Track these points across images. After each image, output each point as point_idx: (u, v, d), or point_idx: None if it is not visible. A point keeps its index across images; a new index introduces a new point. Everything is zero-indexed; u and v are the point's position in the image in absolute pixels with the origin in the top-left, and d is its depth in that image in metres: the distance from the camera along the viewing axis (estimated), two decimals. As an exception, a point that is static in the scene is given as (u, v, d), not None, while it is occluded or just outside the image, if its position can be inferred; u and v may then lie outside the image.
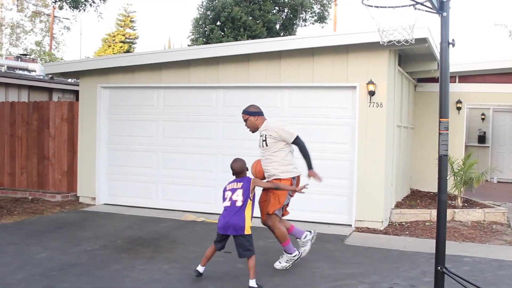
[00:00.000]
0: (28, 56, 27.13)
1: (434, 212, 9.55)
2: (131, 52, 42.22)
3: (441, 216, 4.96)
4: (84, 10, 12.72)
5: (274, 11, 29.66)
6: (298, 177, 6.68)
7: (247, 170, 6.18)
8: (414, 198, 11.27)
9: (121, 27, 47.52)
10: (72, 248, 7.34)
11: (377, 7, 5.14)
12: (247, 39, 25.02)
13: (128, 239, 7.97)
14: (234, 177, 6.12)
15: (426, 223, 9.44)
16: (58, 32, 48.70)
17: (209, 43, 24.51)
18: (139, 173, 10.67)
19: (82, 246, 7.45)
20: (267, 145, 6.55)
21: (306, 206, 9.39)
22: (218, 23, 26.99)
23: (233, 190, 5.94)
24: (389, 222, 9.46)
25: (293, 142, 6.57)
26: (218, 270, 6.39)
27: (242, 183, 5.95)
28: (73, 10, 12.65)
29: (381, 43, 5.44)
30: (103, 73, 10.91)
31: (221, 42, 24.29)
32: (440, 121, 4.97)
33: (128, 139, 10.76)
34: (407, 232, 8.78)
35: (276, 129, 6.54)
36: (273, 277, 6.15)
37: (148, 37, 68.09)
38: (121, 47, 45.54)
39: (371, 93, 8.89)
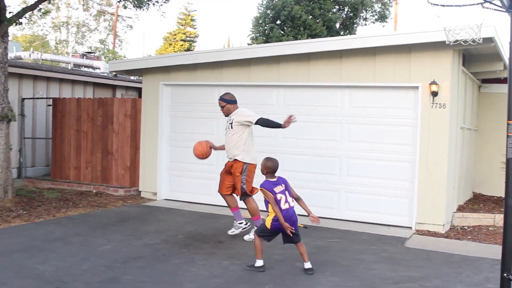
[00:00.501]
0: (93, 54, 27.89)
1: (498, 217, 9.31)
2: (191, 50, 42.77)
3: (508, 221, 4.80)
4: (147, 9, 12.97)
5: (334, 10, 29.49)
6: (254, 165, 7.70)
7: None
8: (477, 202, 11.00)
9: (182, 25, 48.18)
10: (134, 242, 7.53)
11: (444, 5, 5.05)
12: (307, 38, 24.97)
13: (188, 234, 8.11)
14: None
15: (490, 228, 9.20)
16: (121, 31, 49.94)
17: (269, 42, 24.55)
18: (199, 170, 10.82)
19: (144, 240, 7.63)
20: (232, 128, 7.69)
21: (364, 207, 9.34)
22: (278, 22, 27.03)
23: (284, 192, 6.28)
24: (450, 225, 9.27)
25: (256, 123, 7.62)
26: (277, 268, 6.43)
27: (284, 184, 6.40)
28: (136, 9, 12.92)
29: (446, 42, 5.36)
30: (166, 70, 11.12)
31: (280, 41, 24.32)
32: (508, 123, 4.83)
33: (189, 136, 10.92)
34: (469, 237, 8.58)
35: (241, 114, 7.66)
36: (332, 277, 6.14)
37: (208, 35, 68.84)
38: (181, 45, 46.20)
39: (434, 94, 8.74)
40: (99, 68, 22.70)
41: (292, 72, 9.93)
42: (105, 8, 48.94)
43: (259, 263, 6.27)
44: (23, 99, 13.82)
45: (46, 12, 11.99)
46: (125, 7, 12.95)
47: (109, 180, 12.29)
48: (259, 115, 7.70)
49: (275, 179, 6.37)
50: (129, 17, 50.17)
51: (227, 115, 7.87)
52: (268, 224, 6.23)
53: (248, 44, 28.08)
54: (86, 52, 27.34)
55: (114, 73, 17.35)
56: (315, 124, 9.77)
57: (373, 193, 9.32)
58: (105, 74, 19.65)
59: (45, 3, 11.10)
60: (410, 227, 8.96)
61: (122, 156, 12.13)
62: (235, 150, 7.65)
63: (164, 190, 11.23)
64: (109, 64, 13.10)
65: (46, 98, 14.41)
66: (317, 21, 26.98)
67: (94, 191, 11.79)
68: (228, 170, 7.80)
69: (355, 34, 28.97)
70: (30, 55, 23.35)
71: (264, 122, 7.63)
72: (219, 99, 7.96)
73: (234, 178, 7.68)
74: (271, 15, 27.15)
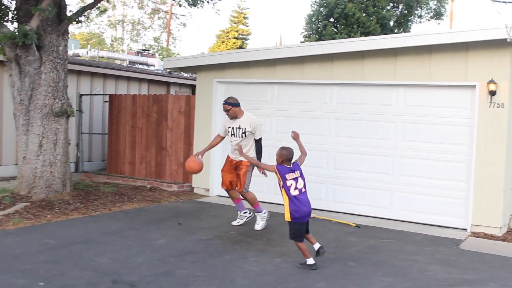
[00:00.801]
0: (147, 51, 28.38)
1: (558, 220, 9.02)
2: (243, 48, 42.98)
3: None
4: (202, 6, 13.10)
5: (388, 7, 29.13)
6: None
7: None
8: (536, 204, 10.67)
9: (235, 23, 48.44)
10: (188, 237, 7.65)
11: (505, 2, 4.94)
12: (360, 35, 24.76)
13: (240, 231, 8.18)
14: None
15: (549, 231, 8.94)
16: (174, 28, 50.51)
17: (322, 40, 24.45)
18: (251, 167, 10.87)
19: (197, 235, 7.74)
20: (246, 136, 8.22)
21: (418, 207, 9.22)
22: (331, 19, 26.91)
23: (296, 179, 6.39)
24: (508, 228, 9.03)
25: (259, 139, 8.33)
26: (329, 266, 6.42)
27: (299, 171, 6.51)
28: (191, 7, 13.06)
29: (508, 40, 5.21)
30: (220, 68, 11.22)
31: (333, 38, 24.19)
32: None
33: (242, 133, 11.00)
34: (527, 240, 8.36)
35: (255, 125, 8.26)
36: (385, 277, 6.09)
37: (260, 33, 69.03)
38: (234, 43, 46.46)
39: (492, 93, 8.53)
40: (154, 66, 23.07)
41: (346, 70, 9.86)
42: (160, 6, 49.72)
43: (310, 261, 6.28)
44: (81, 95, 14.20)
45: (104, 11, 12.27)
46: (180, 5, 13.11)
47: (163, 175, 12.49)
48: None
49: (290, 166, 6.48)
50: (182, 15, 50.87)
51: (233, 118, 8.34)
52: (288, 218, 6.33)
53: (301, 42, 28.03)
54: (141, 50, 27.85)
55: (168, 70, 17.63)
56: (368, 122, 9.69)
57: (427, 194, 9.18)
58: (160, 71, 19.95)
59: (103, 1, 11.36)
60: (465, 229, 8.78)
61: (175, 152, 12.32)
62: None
63: (216, 187, 11.33)
64: (164, 62, 13.30)
65: (103, 94, 14.76)
66: (371, 18, 26.73)
67: (148, 186, 12.01)
68: (231, 168, 8.41)
69: (409, 32, 28.53)
70: (87, 52, 23.96)
71: (259, 145, 8.43)
72: (224, 103, 8.37)
73: (240, 176, 8.25)
74: (324, 12, 27.04)
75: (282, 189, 6.39)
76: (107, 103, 13.98)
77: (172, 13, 47.44)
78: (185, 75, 19.45)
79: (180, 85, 18.28)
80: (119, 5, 47.60)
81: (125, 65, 21.83)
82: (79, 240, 7.26)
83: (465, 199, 8.88)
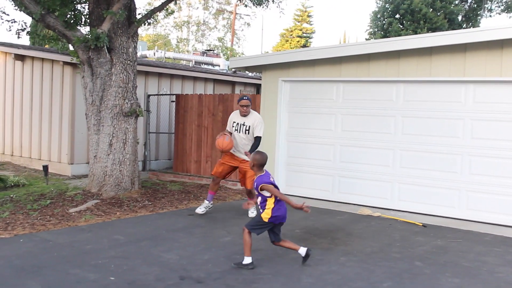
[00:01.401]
0: (212, 52, 28.74)
1: None
2: (307, 46, 42.88)
3: None
4: (267, 6, 13.17)
5: (457, 2, 28.39)
6: None
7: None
8: None
9: (298, 22, 48.40)
10: (253, 234, 7.68)
11: None
12: (427, 31, 24.29)
13: (305, 229, 8.18)
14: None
15: None
16: (238, 28, 50.91)
17: (387, 37, 24.10)
18: (316, 165, 10.87)
19: (262, 233, 7.77)
20: (248, 134, 8.78)
21: (487, 207, 8.98)
22: (397, 16, 26.47)
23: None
24: None
25: (257, 137, 8.73)
26: (395, 266, 6.34)
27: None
28: (256, 6, 13.16)
29: None
30: (285, 67, 11.25)
31: (399, 35, 23.80)
32: None
33: (306, 132, 11.00)
34: None
35: (258, 122, 8.75)
36: (453, 278, 5.95)
37: (324, 31, 68.62)
38: (298, 41, 46.43)
39: None
40: (219, 65, 23.35)
41: (413, 67, 9.70)
42: (224, 6, 50.23)
43: (247, 260, 6.11)
44: (148, 96, 14.54)
45: (171, 13, 12.51)
46: (246, 6, 13.23)
47: (228, 174, 12.61)
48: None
49: (263, 173, 6.29)
50: (246, 15, 51.24)
51: (245, 115, 8.86)
52: (265, 217, 6.13)
53: (366, 39, 27.73)
54: (206, 50, 28.25)
55: (233, 69, 17.81)
56: (435, 120, 9.49)
57: (497, 193, 8.91)
58: (225, 71, 20.18)
59: (171, 3, 11.59)
60: (539, 230, 8.48)
61: (240, 151, 12.41)
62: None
63: (281, 185, 11.30)
64: (230, 61, 13.45)
65: (170, 94, 15.06)
66: (438, 14, 26.13)
67: (214, 185, 12.15)
68: (233, 166, 9.00)
69: (479, 26, 27.72)
70: (154, 53, 24.51)
71: (257, 142, 8.77)
72: (245, 99, 8.81)
73: (249, 176, 8.59)
74: (390, 9, 26.65)
75: (272, 198, 6.17)
76: (174, 103, 14.25)
77: (236, 13, 47.86)
78: (250, 74, 19.60)
79: (245, 84, 18.42)
80: (185, 6, 48.41)
81: (191, 65, 22.20)
82: (147, 236, 7.45)
83: (538, 199, 8.58)
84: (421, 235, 7.97)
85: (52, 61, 13.79)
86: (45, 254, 6.41)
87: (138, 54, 20.82)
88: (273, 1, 12.94)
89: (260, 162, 6.34)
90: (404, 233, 8.07)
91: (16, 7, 9.97)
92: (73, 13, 10.53)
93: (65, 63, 13.16)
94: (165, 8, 11.34)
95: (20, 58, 14.77)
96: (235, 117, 9.02)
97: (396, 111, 9.92)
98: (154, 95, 14.75)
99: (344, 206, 10.14)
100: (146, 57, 23.98)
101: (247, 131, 8.81)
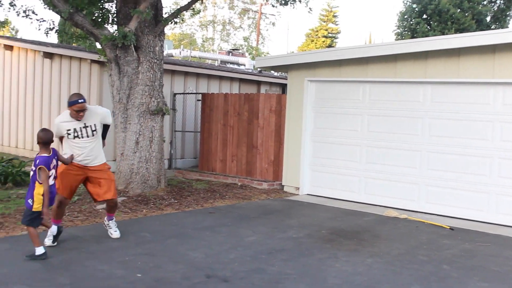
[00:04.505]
0: (238, 51, 28.80)
1: None
2: (333, 46, 42.74)
3: None
4: (294, 6, 13.15)
5: (485, 3, 28.02)
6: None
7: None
8: None
9: (324, 22, 48.28)
10: (278, 234, 7.70)
11: None
12: (455, 32, 24.01)
13: (331, 230, 8.15)
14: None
15: None
16: (263, 28, 50.92)
17: (414, 37, 23.90)
18: (342, 166, 10.81)
19: (288, 233, 7.78)
20: (97, 133, 6.90)
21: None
22: (424, 16, 26.24)
23: (55, 167, 6.16)
24: None
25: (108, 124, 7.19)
26: (422, 268, 6.28)
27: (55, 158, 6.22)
28: (283, 6, 13.14)
29: None
30: (311, 67, 11.22)
31: (427, 36, 23.58)
32: None
33: (332, 132, 10.95)
34: None
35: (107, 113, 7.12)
36: (482, 283, 5.88)
37: (349, 31, 68.33)
38: (323, 41, 46.32)
39: None
40: (244, 65, 23.39)
41: (441, 68, 9.59)
42: (249, 6, 50.29)
43: (39, 250, 5.98)
44: (174, 94, 14.62)
45: (198, 12, 12.57)
46: (273, 6, 13.22)
47: (253, 173, 12.64)
48: None
49: (49, 154, 6.12)
50: (272, 15, 51.20)
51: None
52: (39, 207, 5.94)
53: (395, 39, 27.54)
54: (232, 49, 28.32)
55: (259, 69, 17.82)
56: (463, 122, 9.37)
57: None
58: (250, 71, 20.20)
59: (198, 3, 11.64)
60: None
61: (266, 150, 12.43)
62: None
63: (306, 185, 11.35)
64: (255, 61, 13.45)
65: (195, 93, 15.12)
66: (466, 14, 25.84)
67: (239, 184, 12.20)
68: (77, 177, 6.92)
69: (507, 27, 27.36)
70: (180, 52, 24.65)
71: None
72: (83, 102, 6.60)
73: (108, 180, 6.98)
74: (417, 9, 26.44)
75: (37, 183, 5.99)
76: (200, 101, 14.30)
77: (262, 13, 47.87)
78: (275, 74, 19.59)
79: (271, 84, 18.42)
80: (210, 6, 48.57)
81: (216, 64, 22.26)
82: (173, 234, 7.48)
83: None
84: (448, 238, 7.88)
85: (80, 59, 13.94)
86: (73, 250, 6.48)
87: (164, 53, 20.96)
88: (300, 0, 12.91)
89: (43, 140, 6.13)
90: (431, 236, 7.99)
91: (46, 6, 10.10)
92: (100, 11, 10.65)
93: (93, 61, 13.30)
94: (191, 8, 11.39)
95: (49, 56, 14.95)
96: (66, 124, 6.74)
97: (423, 113, 9.82)
98: (180, 93, 14.83)
99: (370, 207, 10.08)
100: (172, 56, 24.11)
101: (94, 132, 6.84)
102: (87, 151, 6.78)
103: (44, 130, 6.30)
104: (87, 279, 5.49)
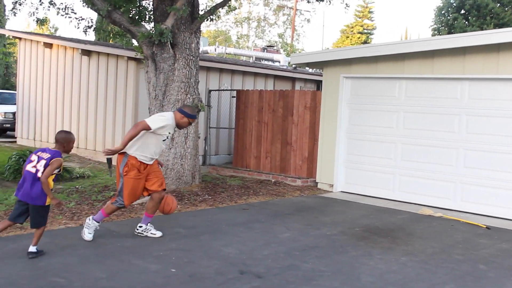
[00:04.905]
0: (273, 48, 28.78)
1: None
2: (368, 43, 42.40)
3: None
4: (329, 2, 13.10)
5: (527, -3, 27.39)
6: None
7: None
8: None
9: (359, 18, 47.91)
10: (312, 231, 7.69)
11: None
12: (494, 27, 23.55)
13: (365, 227, 8.10)
14: None
15: None
16: (298, 25, 50.79)
17: (452, 33, 23.54)
18: (376, 163, 10.73)
19: (321, 230, 7.77)
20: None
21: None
22: (462, 11, 25.80)
23: (40, 158, 5.87)
24: None
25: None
26: (458, 268, 6.20)
27: (49, 154, 5.89)
28: (319, 2, 13.10)
29: None
30: (346, 63, 11.15)
31: (465, 31, 23.22)
32: None
33: (367, 129, 10.88)
34: None
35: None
36: (519, 282, 5.78)
37: (385, 27, 67.64)
38: (358, 38, 45.99)
39: None
40: (279, 61, 23.37)
41: (479, 64, 9.42)
42: (284, 2, 50.19)
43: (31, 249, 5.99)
44: (209, 91, 14.70)
45: (233, 9, 12.61)
46: (309, 1, 13.17)
47: (287, 170, 12.63)
48: None
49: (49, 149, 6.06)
50: (307, 11, 51.09)
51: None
52: (49, 200, 5.88)
53: (430, 35, 27.16)
54: (266, 46, 28.31)
55: (293, 65, 17.78)
56: (502, 119, 9.19)
57: None
58: (285, 67, 20.18)
59: (232, -1, 11.70)
60: None
61: (300, 147, 12.41)
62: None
63: (340, 182, 11.30)
64: (291, 57, 13.44)
65: (230, 90, 15.17)
66: (506, 9, 25.31)
67: (273, 181, 12.21)
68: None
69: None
70: (215, 49, 24.74)
71: None
72: (195, 117, 7.09)
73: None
74: (455, 4, 26.03)
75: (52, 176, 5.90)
76: (234, 98, 14.35)
77: (297, 9, 47.71)
78: (310, 70, 19.53)
79: (305, 80, 18.37)
80: (245, 2, 48.61)
81: (251, 61, 22.29)
82: (207, 230, 7.54)
83: None
84: (484, 238, 7.76)
85: (117, 56, 14.13)
86: (109, 245, 6.58)
87: (200, 50, 21.11)
88: (335, -4, 12.84)
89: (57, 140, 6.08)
90: (467, 235, 7.87)
91: (84, 4, 10.27)
92: (138, 9, 10.77)
93: (129, 58, 13.46)
94: (227, 5, 11.43)
95: (87, 53, 15.20)
96: (171, 128, 6.92)
97: (461, 109, 9.68)
98: (215, 90, 14.90)
99: (404, 205, 9.98)
100: (207, 53, 24.23)
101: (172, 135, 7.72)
102: (159, 151, 7.00)
103: (66, 132, 6.28)
104: (122, 273, 5.58)
